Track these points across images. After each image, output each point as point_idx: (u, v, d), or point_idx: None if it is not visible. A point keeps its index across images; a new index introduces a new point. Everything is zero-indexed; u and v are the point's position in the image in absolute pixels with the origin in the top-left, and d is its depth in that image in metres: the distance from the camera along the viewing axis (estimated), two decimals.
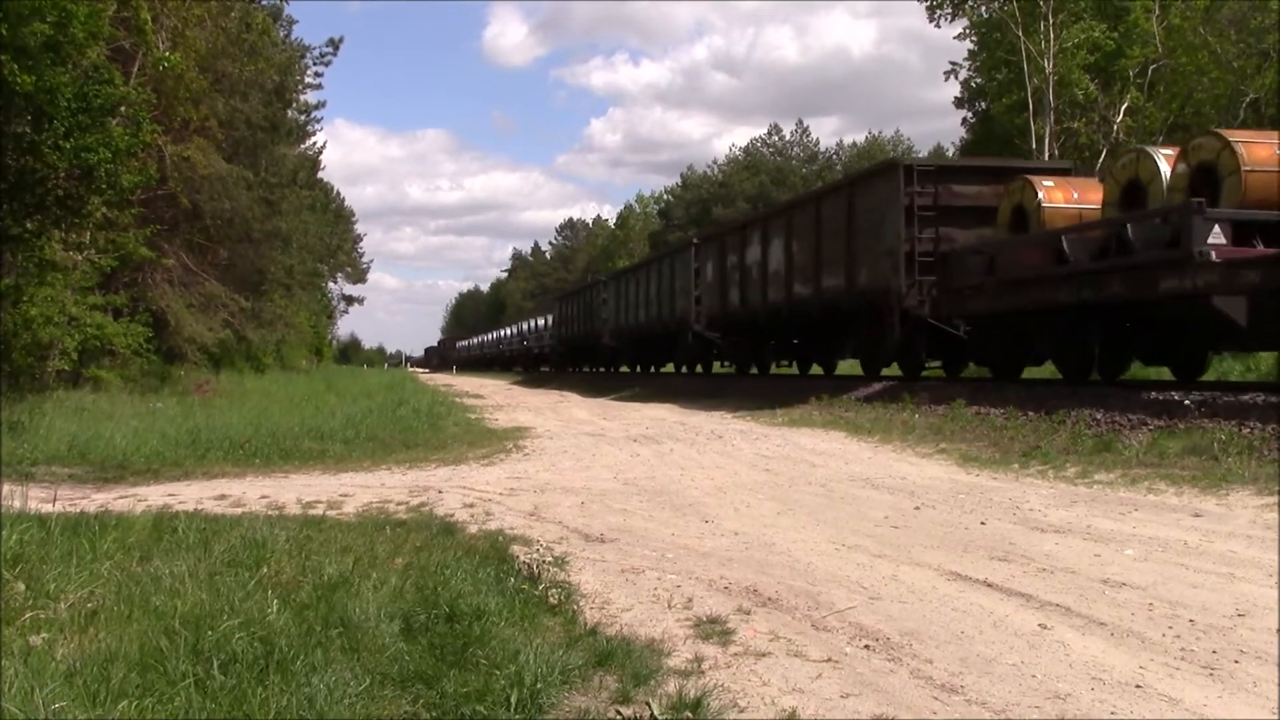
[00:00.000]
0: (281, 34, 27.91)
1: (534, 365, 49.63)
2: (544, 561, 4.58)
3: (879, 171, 15.46)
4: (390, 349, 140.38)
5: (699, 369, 26.39)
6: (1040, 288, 11.47)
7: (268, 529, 4.94)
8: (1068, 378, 11.98)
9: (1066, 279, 10.99)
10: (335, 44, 29.85)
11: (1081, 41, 25.61)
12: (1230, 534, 5.25)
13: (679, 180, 78.45)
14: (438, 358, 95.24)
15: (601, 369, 34.89)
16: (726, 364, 24.46)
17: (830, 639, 3.58)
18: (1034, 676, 3.14)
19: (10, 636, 3.19)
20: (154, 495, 7.09)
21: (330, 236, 54.27)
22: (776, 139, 73.38)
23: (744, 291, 20.28)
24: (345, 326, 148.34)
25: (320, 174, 45.08)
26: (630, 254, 78.63)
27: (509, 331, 61.35)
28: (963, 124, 38.20)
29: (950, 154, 44.74)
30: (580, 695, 2.98)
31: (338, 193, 65.03)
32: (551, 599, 4.00)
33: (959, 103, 36.72)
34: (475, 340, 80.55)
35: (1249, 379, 13.79)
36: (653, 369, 30.09)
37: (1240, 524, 5.51)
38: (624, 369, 32.17)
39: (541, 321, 48.59)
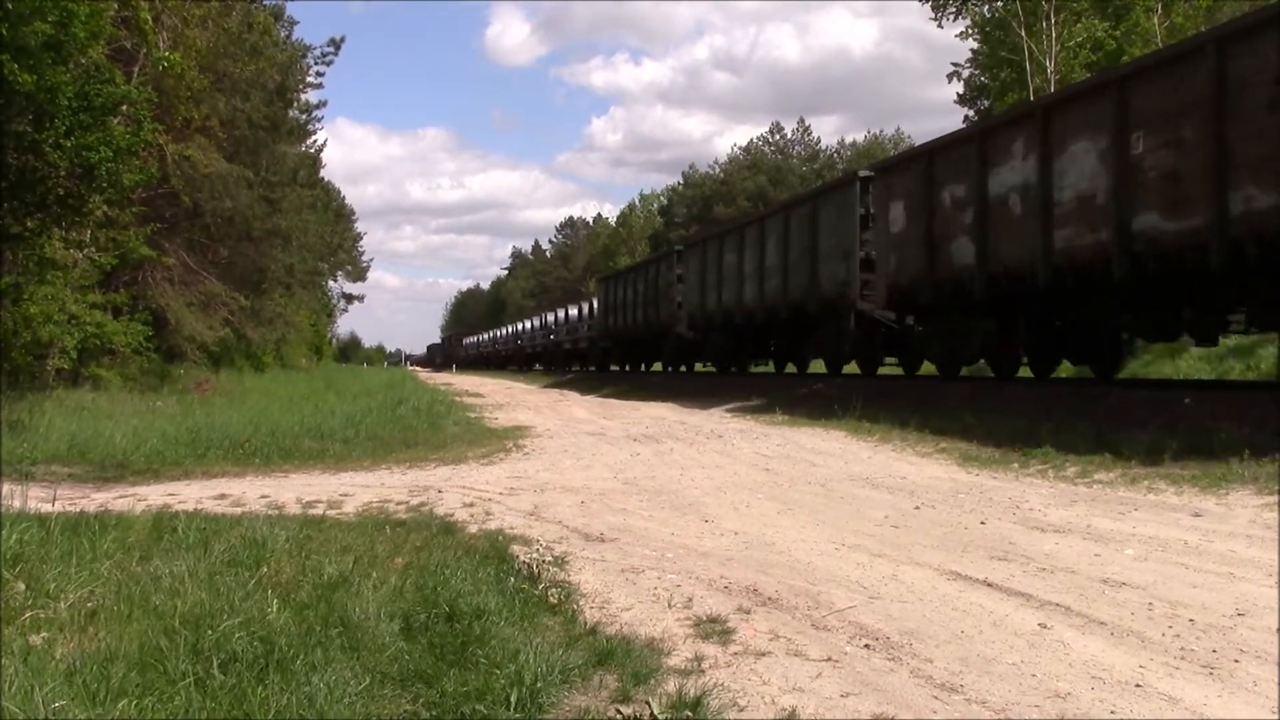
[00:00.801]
0: (283, 34, 27.92)
1: (563, 364, 42.72)
2: (544, 561, 4.58)
3: None
4: (391, 347, 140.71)
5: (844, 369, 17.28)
6: None
7: (267, 528, 4.94)
8: None
9: None
10: (336, 44, 29.93)
11: (1084, 40, 25.61)
12: (1230, 533, 5.25)
13: (680, 179, 78.51)
14: (442, 355, 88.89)
15: (668, 368, 26.79)
16: (885, 360, 16.59)
17: (830, 638, 3.58)
18: (1034, 676, 3.14)
19: (10, 636, 3.19)
20: (154, 495, 7.09)
21: (331, 235, 54.38)
22: (778, 138, 73.43)
23: (991, 239, 12.08)
24: (346, 325, 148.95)
25: (321, 173, 45.19)
26: (632, 253, 78.64)
27: (529, 325, 53.50)
28: (964, 122, 38.18)
29: None
30: (580, 694, 2.98)
31: (338, 191, 65.26)
32: (551, 598, 4.00)
33: (961, 100, 36.69)
34: (486, 335, 72.16)
35: (1249, 378, 13.79)
36: (732, 369, 22.46)
37: (1240, 523, 5.50)
38: (701, 367, 25.28)
39: (575, 311, 40.95)
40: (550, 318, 47.30)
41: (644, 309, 27.54)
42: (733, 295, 20.53)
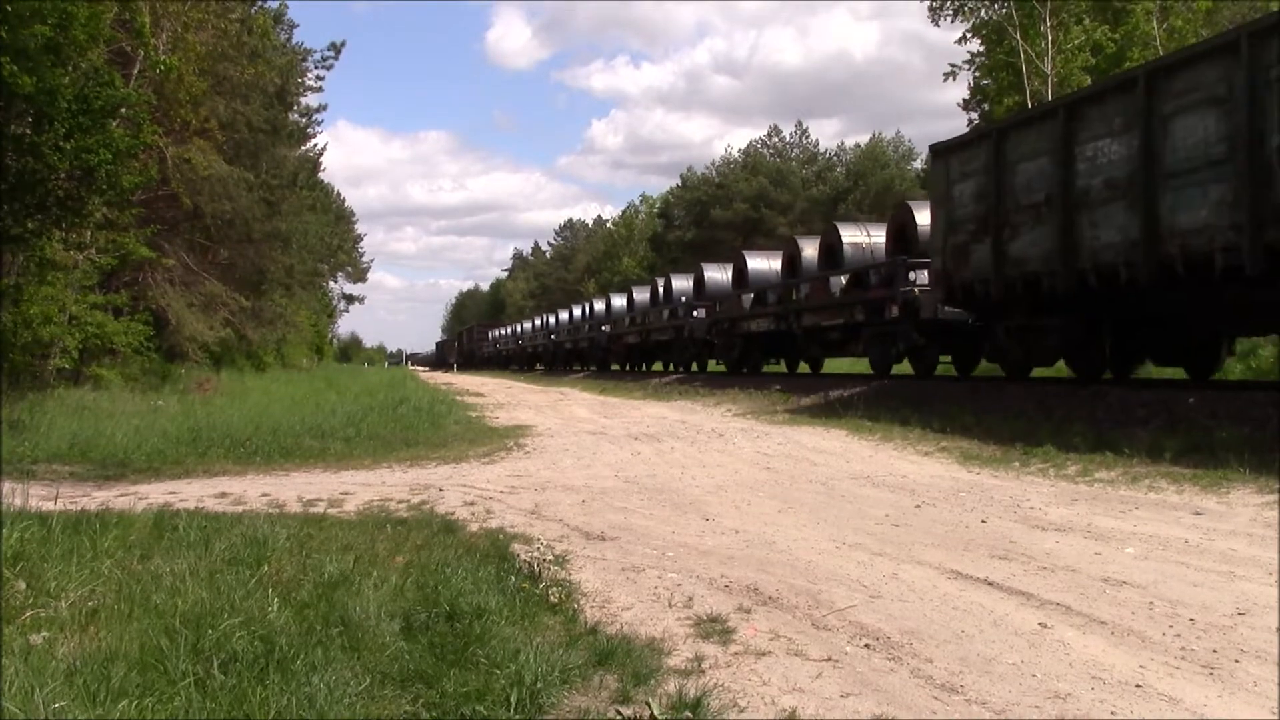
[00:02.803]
0: (282, 37, 27.90)
1: (726, 358, 23.70)
2: (544, 560, 4.58)
3: None
4: (392, 347, 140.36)
5: None
6: None
7: (268, 527, 4.94)
8: None
9: None
10: (337, 48, 29.69)
11: (1083, 43, 25.58)
12: (1231, 532, 5.25)
13: (679, 181, 78.26)
14: (457, 354, 74.43)
15: None
16: None
17: (830, 638, 3.58)
18: (1034, 676, 3.13)
19: (11, 635, 3.19)
20: (155, 493, 7.09)
21: (331, 236, 54.34)
22: (776, 140, 73.24)
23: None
24: (346, 325, 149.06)
25: (322, 175, 45.19)
26: (633, 254, 78.59)
27: (619, 302, 34.14)
28: (969, 125, 38.03)
29: None
30: (580, 695, 2.98)
31: (338, 193, 65.24)
32: (552, 597, 3.99)
33: (966, 104, 36.52)
34: (529, 325, 50.39)
35: (1249, 378, 13.78)
36: None
37: (1241, 522, 5.50)
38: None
39: (769, 264, 22.11)
40: (682, 284, 26.77)
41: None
42: None
